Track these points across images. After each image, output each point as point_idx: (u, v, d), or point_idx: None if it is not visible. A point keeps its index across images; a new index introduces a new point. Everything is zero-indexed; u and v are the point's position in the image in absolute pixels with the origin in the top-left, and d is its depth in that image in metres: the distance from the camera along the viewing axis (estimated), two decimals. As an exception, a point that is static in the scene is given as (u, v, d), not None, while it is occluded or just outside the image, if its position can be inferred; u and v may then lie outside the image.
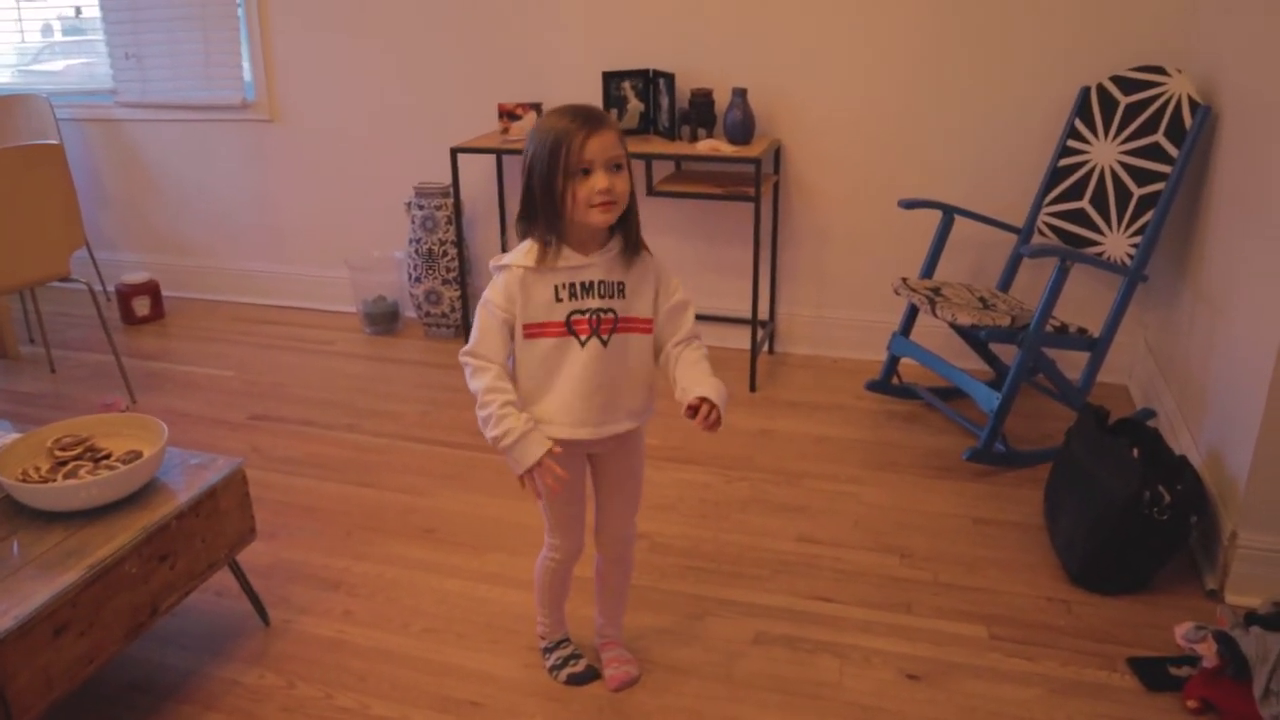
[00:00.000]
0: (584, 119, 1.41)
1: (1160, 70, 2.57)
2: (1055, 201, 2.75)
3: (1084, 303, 2.95)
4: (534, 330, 1.49)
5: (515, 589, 2.05)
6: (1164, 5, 2.70)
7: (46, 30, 4.34)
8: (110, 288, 3.96)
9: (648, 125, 3.16)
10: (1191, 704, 1.68)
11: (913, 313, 2.82)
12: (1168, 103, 2.52)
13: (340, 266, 3.72)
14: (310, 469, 2.60)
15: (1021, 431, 2.71)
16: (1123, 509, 1.93)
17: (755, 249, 2.92)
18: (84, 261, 3.95)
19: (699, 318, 1.60)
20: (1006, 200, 2.94)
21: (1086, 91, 2.73)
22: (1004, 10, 2.84)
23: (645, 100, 3.14)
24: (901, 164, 3.05)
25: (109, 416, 1.88)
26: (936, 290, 2.67)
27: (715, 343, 3.01)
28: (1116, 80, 2.67)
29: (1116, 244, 2.58)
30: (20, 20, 4.22)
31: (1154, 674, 1.76)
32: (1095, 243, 2.64)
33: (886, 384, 2.93)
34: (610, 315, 1.50)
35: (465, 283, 3.39)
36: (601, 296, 1.49)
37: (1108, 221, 2.62)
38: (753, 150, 2.90)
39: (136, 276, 3.77)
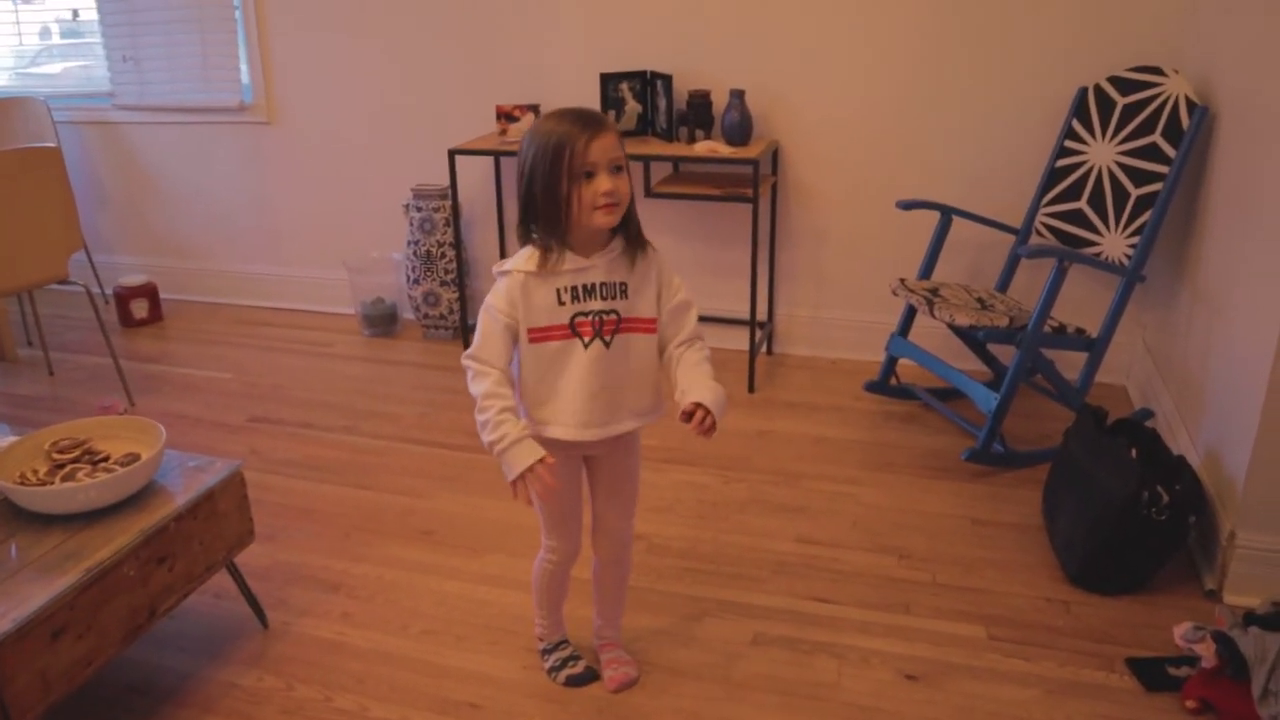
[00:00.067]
0: (585, 122, 1.41)
1: (1158, 71, 2.58)
2: (1053, 202, 2.76)
3: (1082, 303, 2.95)
4: (538, 334, 1.49)
5: (514, 590, 2.05)
6: (1161, 6, 2.70)
7: (44, 33, 4.34)
8: (108, 290, 3.96)
9: (645, 127, 3.17)
10: (1190, 704, 1.68)
11: (911, 313, 2.82)
12: (1165, 103, 2.53)
13: (338, 268, 3.72)
14: (309, 471, 2.60)
15: (1020, 432, 2.71)
16: (1121, 509, 1.93)
17: (753, 250, 2.92)
18: (82, 264, 3.95)
19: (698, 319, 1.60)
20: (1004, 201, 2.94)
21: (1084, 92, 2.73)
22: (1001, 11, 2.84)
23: (643, 102, 3.14)
24: (899, 165, 3.06)
25: (107, 419, 1.88)
26: (934, 291, 2.67)
27: (714, 344, 3.02)
28: (1114, 81, 2.67)
29: (1114, 244, 2.59)
30: (18, 23, 4.22)
31: (1153, 674, 1.76)
32: (1093, 243, 2.64)
33: (885, 385, 2.93)
34: (613, 316, 1.51)
35: (463, 284, 3.39)
36: (604, 298, 1.50)
37: (1105, 222, 2.62)
38: (750, 151, 2.90)
39: (134, 279, 3.77)
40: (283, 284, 3.94)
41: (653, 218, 3.21)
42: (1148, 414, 2.66)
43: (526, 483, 1.44)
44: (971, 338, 2.87)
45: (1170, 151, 2.49)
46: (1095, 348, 2.56)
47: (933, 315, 2.51)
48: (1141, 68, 2.63)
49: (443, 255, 3.43)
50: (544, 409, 1.53)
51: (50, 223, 2.78)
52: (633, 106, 3.14)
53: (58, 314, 3.84)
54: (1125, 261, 2.54)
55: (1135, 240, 2.53)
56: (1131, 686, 1.75)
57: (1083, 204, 2.68)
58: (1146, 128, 2.56)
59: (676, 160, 3.12)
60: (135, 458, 1.75)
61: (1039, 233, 2.81)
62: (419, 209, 3.43)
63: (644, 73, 3.13)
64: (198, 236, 4.01)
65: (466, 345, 1.53)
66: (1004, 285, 2.90)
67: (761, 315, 3.31)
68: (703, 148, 2.92)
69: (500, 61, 3.35)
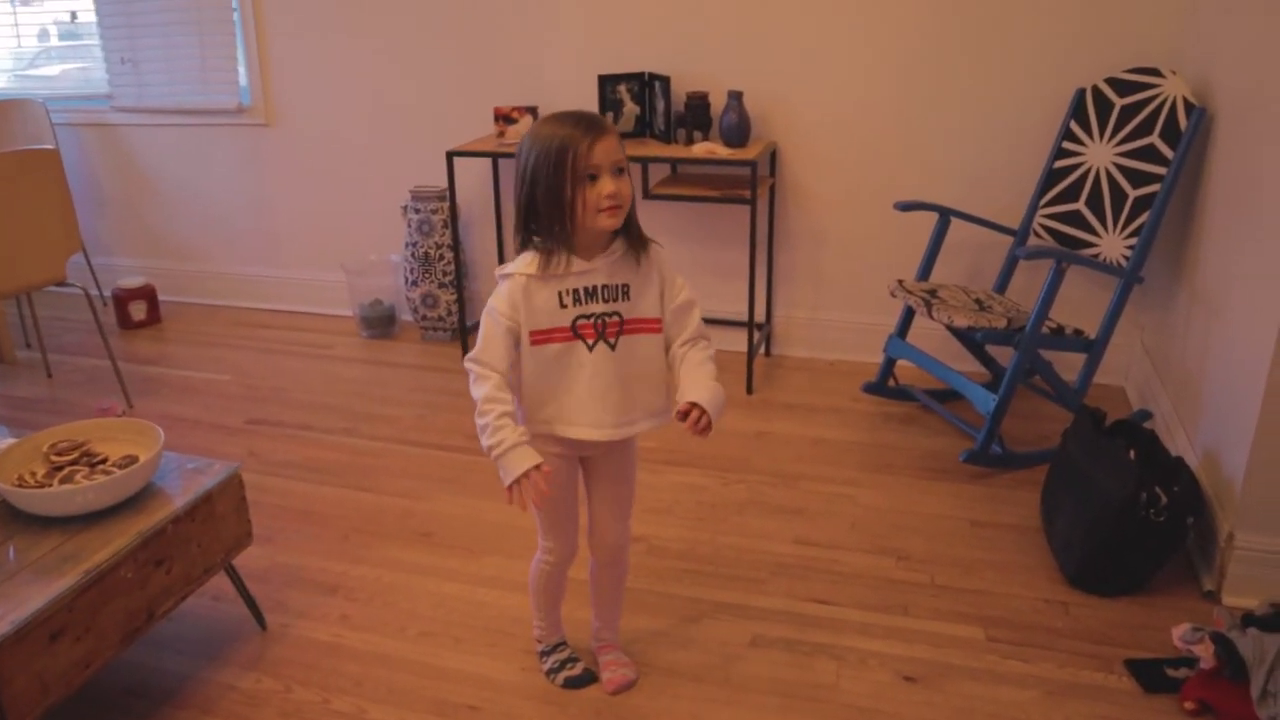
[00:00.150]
0: (586, 125, 1.41)
1: (1155, 72, 2.58)
2: (1051, 203, 2.76)
3: (1080, 304, 2.95)
4: (540, 337, 1.49)
5: (512, 592, 2.05)
6: (1159, 7, 2.71)
7: (43, 35, 4.34)
8: (107, 292, 3.96)
9: (643, 128, 3.17)
10: (1189, 705, 1.68)
11: (909, 315, 2.82)
12: (1163, 104, 2.53)
13: (336, 270, 3.72)
14: (307, 473, 2.59)
15: (1018, 433, 2.71)
16: (1119, 510, 1.93)
17: (751, 251, 2.92)
18: (80, 266, 3.94)
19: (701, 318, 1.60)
20: (1002, 202, 2.94)
21: (1082, 93, 2.73)
22: (999, 12, 2.84)
23: (641, 103, 3.14)
24: (897, 166, 3.06)
25: (105, 421, 1.87)
26: (933, 292, 2.67)
27: (711, 342, 3.02)
28: (1111, 82, 2.67)
29: (1112, 245, 2.59)
30: (17, 25, 4.22)
31: (1151, 675, 1.76)
32: (1091, 244, 2.64)
33: (883, 386, 2.93)
34: (616, 319, 1.51)
35: (461, 286, 3.39)
36: (606, 300, 1.50)
37: (1103, 223, 2.62)
38: (748, 153, 2.90)
39: (133, 281, 3.77)
40: (281, 286, 3.94)
41: (651, 219, 3.21)
42: (1146, 415, 2.66)
43: (522, 488, 1.44)
44: (970, 339, 2.87)
45: (1168, 153, 2.49)
46: (1093, 349, 2.56)
47: (931, 316, 2.51)
48: (1139, 69, 2.63)
49: (441, 257, 3.43)
50: (546, 409, 1.53)
51: (48, 225, 2.77)
52: (631, 108, 3.14)
53: (56, 316, 3.83)
54: (1123, 263, 2.54)
55: (1133, 241, 2.53)
56: (1130, 688, 1.75)
57: (1081, 205, 2.68)
58: (1144, 129, 2.56)
59: (674, 162, 3.12)
60: (133, 460, 1.75)
61: (1037, 234, 2.81)
62: (417, 211, 3.43)
63: (642, 74, 3.13)
64: (196, 239, 4.01)
65: (465, 347, 1.54)
66: (1002, 286, 2.90)
67: (760, 317, 3.32)
68: (701, 149, 2.92)
69: (498, 63, 3.35)
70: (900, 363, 2.91)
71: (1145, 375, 2.82)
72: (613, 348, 1.51)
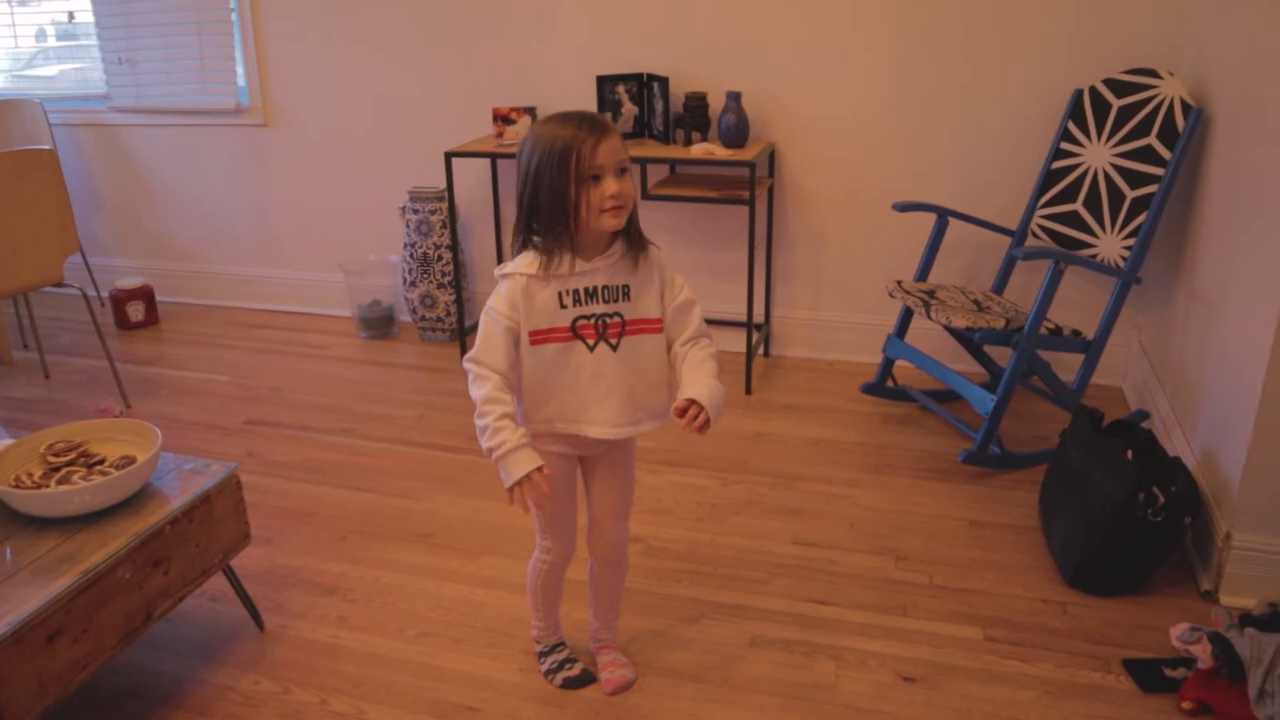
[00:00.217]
0: (590, 125, 1.41)
1: (1152, 73, 2.59)
2: (1049, 204, 2.76)
3: (1078, 305, 2.96)
4: (539, 336, 1.49)
5: (511, 593, 2.04)
6: (1156, 8, 2.71)
7: (40, 35, 4.34)
8: (104, 293, 3.96)
9: (642, 129, 3.17)
10: (1186, 705, 1.68)
11: (907, 315, 2.82)
12: (1160, 105, 2.53)
13: (335, 271, 3.72)
14: (305, 474, 2.59)
15: (1016, 433, 2.71)
16: (1117, 510, 1.93)
17: (750, 252, 2.92)
18: (78, 267, 3.94)
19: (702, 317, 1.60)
20: (1000, 203, 2.94)
21: (1079, 94, 2.74)
22: (997, 14, 2.85)
23: (640, 104, 3.14)
24: (896, 167, 3.06)
25: (103, 422, 1.87)
26: (931, 293, 2.67)
27: (713, 341, 3.03)
28: (1109, 83, 2.68)
29: (1110, 246, 2.59)
30: (14, 25, 4.21)
31: (1149, 675, 1.76)
32: (1089, 245, 2.65)
33: (881, 386, 2.94)
34: (616, 319, 1.51)
35: (460, 287, 3.39)
36: (606, 301, 1.50)
37: (1101, 224, 2.63)
38: (747, 154, 2.90)
39: (131, 282, 3.77)
40: (279, 286, 3.93)
41: (650, 220, 3.21)
42: (1144, 415, 2.67)
43: (523, 490, 1.44)
44: (968, 339, 2.87)
45: (1165, 153, 2.50)
46: (1091, 349, 2.57)
47: (929, 317, 2.51)
48: (1137, 70, 2.63)
49: (439, 257, 3.43)
50: (546, 409, 1.53)
51: (46, 225, 2.77)
52: (629, 109, 3.14)
53: (53, 316, 3.83)
54: (1121, 263, 2.55)
55: (1131, 242, 2.53)
56: (1128, 688, 1.75)
57: (1078, 206, 2.69)
58: (1142, 130, 2.56)
59: (673, 162, 3.12)
60: (131, 460, 1.74)
61: (1035, 234, 2.81)
62: (415, 211, 3.43)
63: (641, 75, 3.13)
64: (194, 239, 4.00)
65: (464, 347, 1.53)
66: (1000, 287, 2.90)
67: (758, 317, 3.32)
68: (699, 150, 2.93)
69: (497, 64, 3.35)
70: (899, 363, 2.91)
71: (1143, 375, 2.82)
72: (614, 348, 1.51)
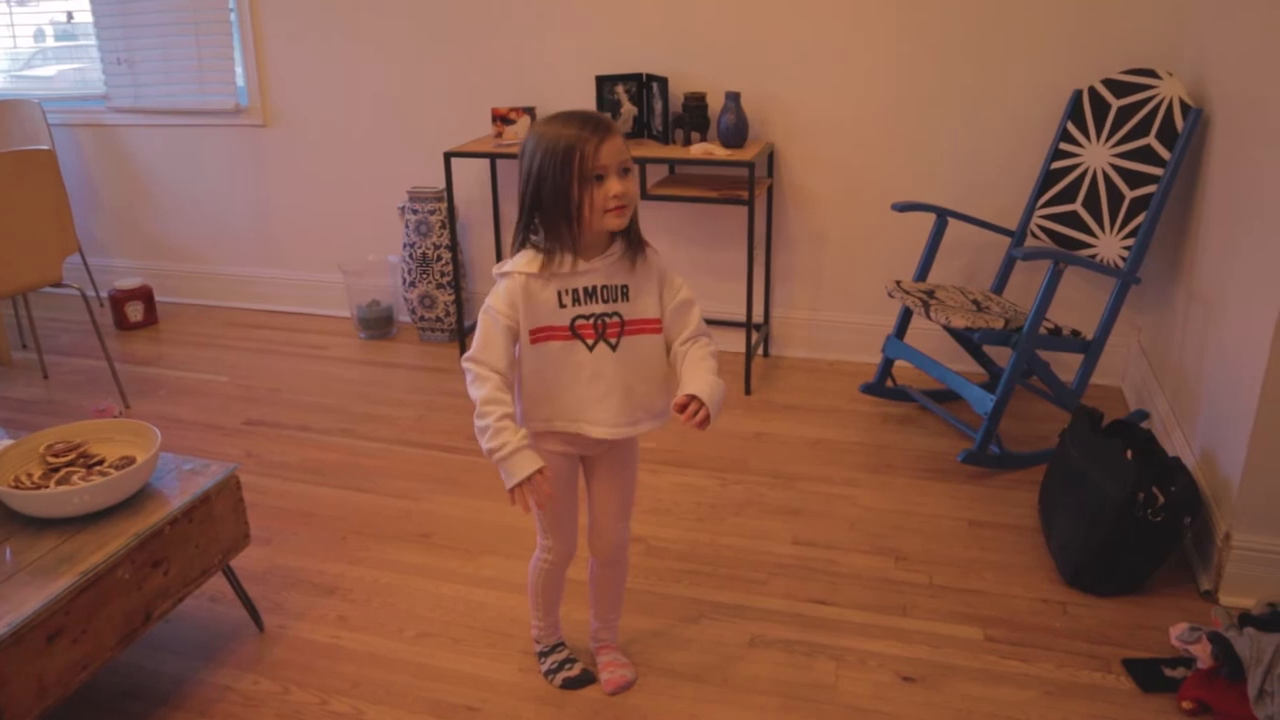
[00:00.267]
0: (593, 125, 1.41)
1: (1151, 73, 2.59)
2: (1048, 204, 2.76)
3: (1077, 305, 2.96)
4: (539, 335, 1.49)
5: (511, 593, 2.04)
6: (1156, 8, 2.71)
7: (39, 35, 4.33)
8: (103, 293, 3.95)
9: (641, 129, 3.17)
10: (1186, 705, 1.68)
11: (907, 315, 2.83)
12: (1159, 105, 2.54)
13: (334, 271, 3.71)
14: (305, 474, 2.59)
15: (1016, 433, 2.71)
16: (1117, 510, 1.93)
17: (749, 252, 2.92)
18: (77, 267, 3.93)
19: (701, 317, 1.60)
20: (1000, 203, 2.95)
21: (1078, 94, 2.74)
22: (996, 14, 2.85)
23: (639, 104, 3.14)
24: (895, 167, 3.06)
25: (102, 422, 1.87)
26: (930, 293, 2.67)
27: (712, 339, 3.03)
28: (1108, 83, 2.68)
29: (1109, 246, 2.59)
30: (13, 25, 4.21)
31: (1149, 675, 1.76)
32: (1088, 245, 2.65)
33: (881, 386, 2.94)
34: (616, 319, 1.51)
35: (459, 287, 3.38)
36: (605, 301, 1.50)
37: (1100, 224, 2.63)
38: (746, 154, 2.90)
39: (130, 282, 3.76)
40: (278, 287, 3.93)
41: (649, 220, 3.21)
42: (1143, 415, 2.67)
43: (525, 492, 1.44)
44: (967, 339, 2.87)
45: (1165, 154, 2.50)
46: (1090, 349, 2.57)
47: (929, 317, 2.51)
48: (1136, 70, 2.63)
49: (439, 258, 3.43)
50: (545, 408, 1.53)
51: (44, 225, 2.77)
52: (628, 109, 3.14)
53: (52, 317, 3.83)
54: (1120, 263, 2.55)
55: (1130, 242, 2.54)
56: (1128, 687, 1.75)
57: (1077, 206, 2.69)
58: (1141, 130, 2.57)
59: (672, 163, 3.12)
60: (130, 461, 1.74)
61: (1034, 235, 2.81)
62: (415, 211, 3.43)
63: (640, 75, 3.13)
64: (193, 239, 4.00)
65: (463, 348, 1.53)
66: (999, 287, 2.90)
67: (758, 317, 3.32)
68: (698, 150, 2.93)
69: (496, 64, 3.35)
70: (898, 363, 2.91)
71: (1142, 375, 2.82)
72: (613, 348, 1.51)
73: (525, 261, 1.48)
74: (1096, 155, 2.67)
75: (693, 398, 1.45)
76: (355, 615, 1.99)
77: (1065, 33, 2.80)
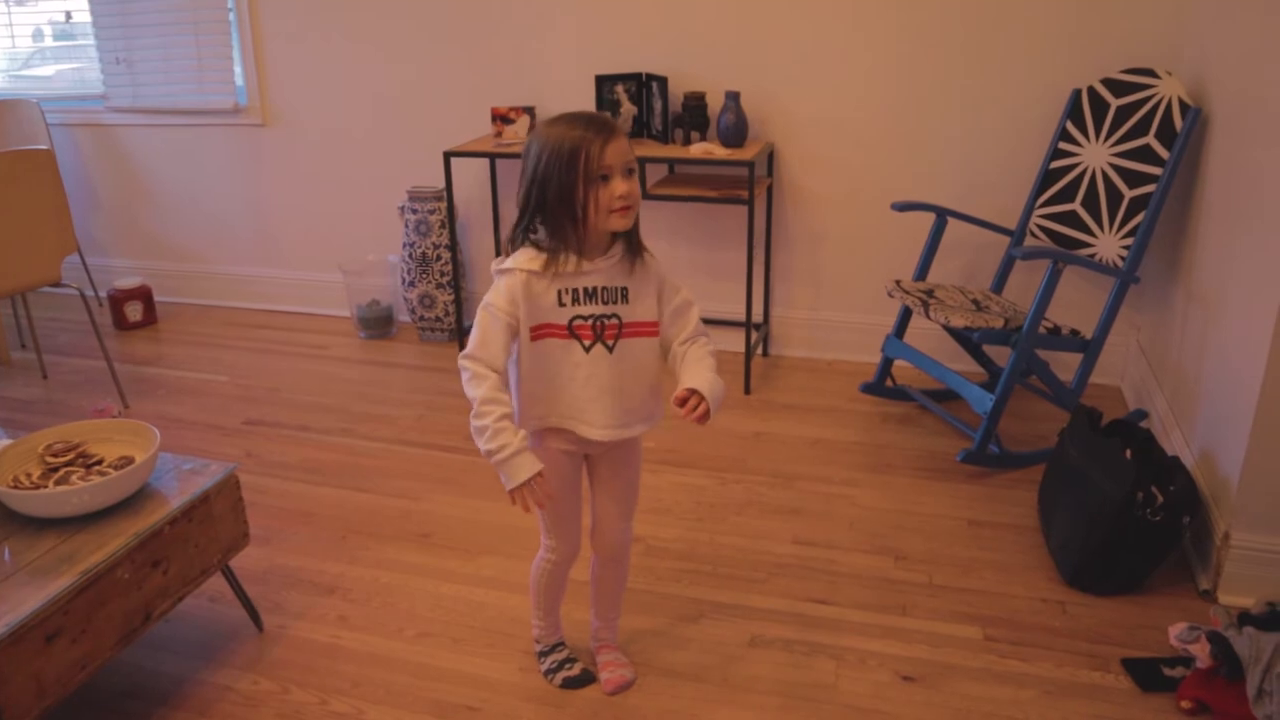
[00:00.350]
0: (598, 126, 1.41)
1: (1151, 73, 2.59)
2: (1047, 204, 2.76)
3: (1076, 304, 2.96)
4: (537, 334, 1.49)
5: (511, 593, 2.04)
6: (1155, 8, 2.71)
7: (37, 35, 4.33)
8: (102, 293, 3.95)
9: (641, 129, 3.17)
10: (1185, 704, 1.68)
11: (906, 315, 2.83)
12: (1158, 105, 2.54)
13: (334, 271, 3.71)
14: (305, 474, 2.59)
15: (1015, 433, 2.71)
16: (1116, 510, 1.93)
17: (749, 252, 2.92)
18: (76, 267, 3.93)
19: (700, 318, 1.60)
20: (999, 203, 2.95)
21: (1077, 94, 2.74)
22: (995, 13, 2.85)
23: (638, 104, 3.14)
24: (895, 167, 3.06)
25: (101, 422, 1.87)
26: (930, 292, 2.67)
27: (711, 340, 3.03)
28: (1107, 83, 2.68)
29: (1108, 245, 2.59)
30: (11, 25, 4.21)
31: (1148, 675, 1.76)
32: (1087, 244, 2.65)
33: (880, 386, 2.94)
34: (614, 321, 1.51)
35: (459, 286, 3.38)
36: (605, 302, 1.50)
37: (1099, 223, 2.63)
38: (746, 153, 2.90)
39: (129, 282, 3.76)
40: (278, 286, 3.93)
41: (648, 220, 3.21)
42: (1142, 415, 2.67)
43: (524, 494, 1.44)
44: (966, 339, 2.87)
45: (1164, 153, 2.50)
46: (1090, 349, 2.57)
47: (928, 317, 2.51)
48: (1135, 70, 2.64)
49: (438, 257, 3.43)
50: (540, 407, 1.53)
51: (43, 225, 2.77)
52: (628, 108, 3.14)
53: (51, 317, 3.83)
54: (1119, 263, 2.55)
55: (1129, 241, 2.54)
56: (1127, 687, 1.75)
57: (1077, 205, 2.69)
58: (1140, 129, 2.57)
59: (672, 162, 3.12)
60: (129, 461, 1.74)
61: (1033, 234, 2.81)
62: (414, 211, 3.43)
63: (639, 75, 3.13)
64: (192, 239, 4.00)
65: (463, 347, 1.52)
66: (999, 286, 2.90)
67: (757, 317, 3.32)
68: (698, 150, 2.93)
69: (495, 63, 3.35)
70: (898, 363, 2.91)
71: (1141, 375, 2.83)
72: (610, 350, 1.51)
73: (526, 259, 1.47)
74: (1096, 155, 2.67)
75: (693, 392, 1.45)
76: (355, 615, 1.99)
77: (1065, 32, 2.80)
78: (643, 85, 3.13)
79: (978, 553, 2.17)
